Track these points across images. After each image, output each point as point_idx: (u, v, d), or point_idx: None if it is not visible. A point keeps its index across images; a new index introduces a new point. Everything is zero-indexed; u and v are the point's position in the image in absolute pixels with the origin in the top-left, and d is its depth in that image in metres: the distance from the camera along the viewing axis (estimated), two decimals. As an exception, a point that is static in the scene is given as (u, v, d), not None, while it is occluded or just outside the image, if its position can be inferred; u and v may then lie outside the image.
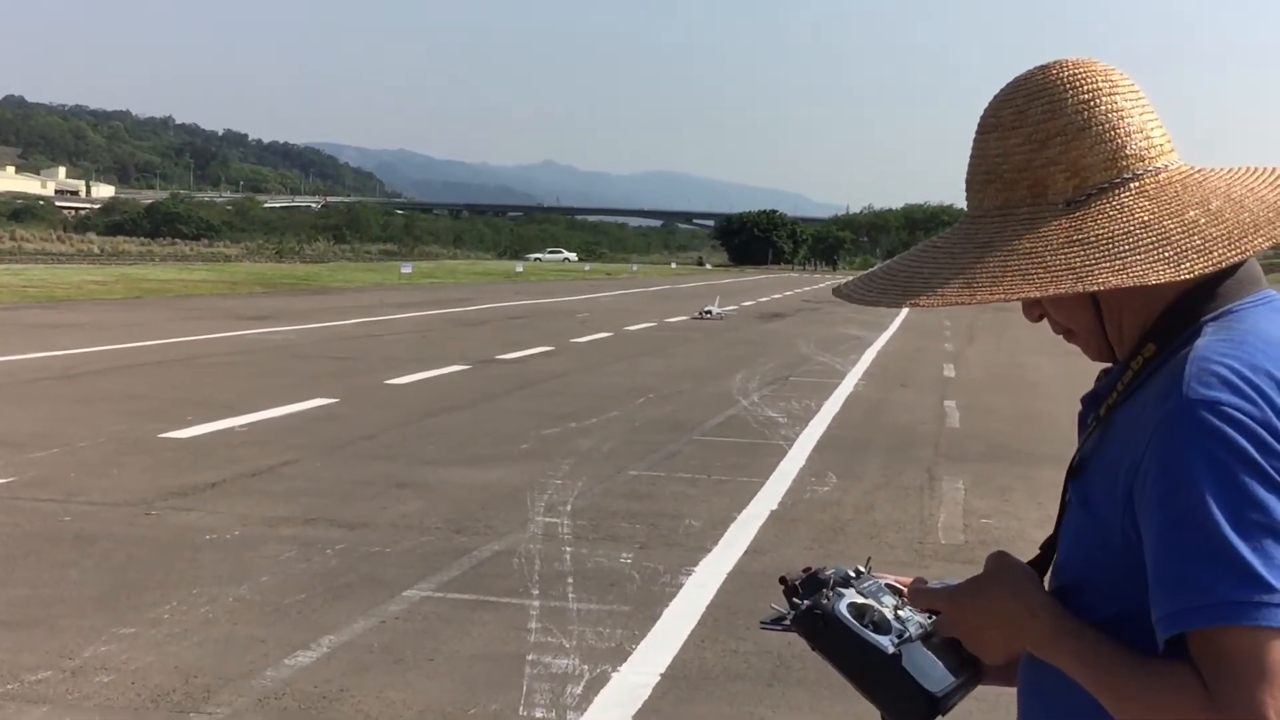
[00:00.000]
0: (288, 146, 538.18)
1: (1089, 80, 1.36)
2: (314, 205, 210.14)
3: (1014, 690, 1.49)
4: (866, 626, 1.42)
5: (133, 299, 33.41)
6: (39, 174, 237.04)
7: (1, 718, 4.60)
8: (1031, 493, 9.48)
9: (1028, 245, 1.32)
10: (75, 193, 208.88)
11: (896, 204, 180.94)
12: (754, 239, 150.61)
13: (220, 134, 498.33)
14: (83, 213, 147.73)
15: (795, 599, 1.47)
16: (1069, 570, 1.38)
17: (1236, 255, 1.28)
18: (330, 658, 5.36)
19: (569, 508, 8.41)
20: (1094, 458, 1.37)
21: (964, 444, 12.03)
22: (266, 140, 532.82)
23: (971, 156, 1.42)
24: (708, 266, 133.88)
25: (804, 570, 1.50)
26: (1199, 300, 1.33)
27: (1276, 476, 1.19)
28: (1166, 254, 1.28)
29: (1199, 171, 1.37)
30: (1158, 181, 1.34)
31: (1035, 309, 1.44)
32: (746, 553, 7.43)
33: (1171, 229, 1.30)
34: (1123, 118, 1.35)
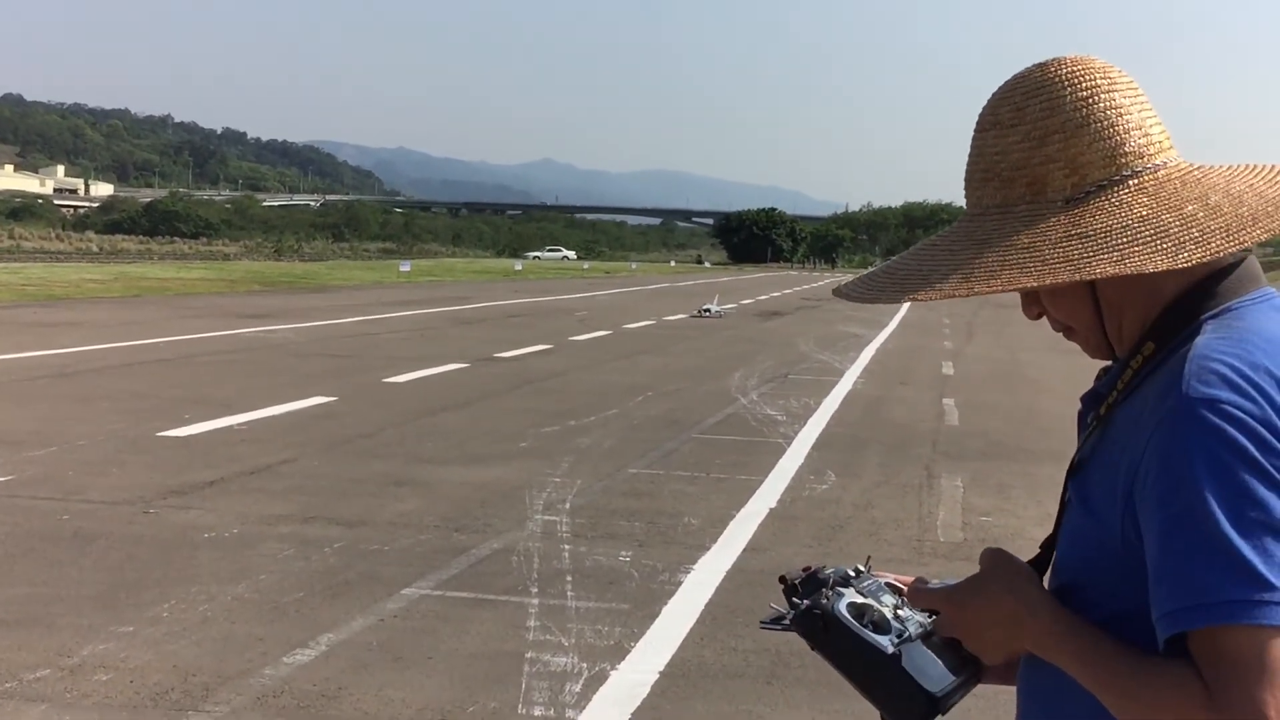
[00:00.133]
0: (286, 145, 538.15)
1: (1087, 77, 1.35)
2: (313, 203, 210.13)
3: (1013, 689, 1.49)
4: (866, 626, 1.41)
5: (131, 297, 33.39)
6: (37, 172, 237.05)
7: (0, 716, 4.59)
8: (1030, 490, 9.48)
9: (1026, 240, 1.32)
10: (74, 191, 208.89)
11: (896, 202, 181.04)
12: (753, 237, 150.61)
13: (219, 132, 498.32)
14: (81, 211, 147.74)
15: (795, 599, 1.47)
16: (1068, 569, 1.38)
17: (1234, 246, 1.28)
18: (329, 656, 5.36)
19: (568, 506, 8.41)
20: (1094, 456, 1.36)
21: (963, 441, 12.03)
22: (265, 138, 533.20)
23: (970, 154, 1.41)
24: (706, 265, 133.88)
25: (803, 569, 1.50)
26: (1199, 298, 1.33)
27: (1277, 474, 1.19)
28: (1164, 245, 1.27)
29: (1198, 169, 1.37)
30: (1156, 179, 1.34)
31: (1035, 306, 1.43)
32: (745, 551, 7.42)
33: (1170, 222, 1.29)
34: (1121, 115, 1.35)
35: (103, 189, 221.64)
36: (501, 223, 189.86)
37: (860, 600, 1.44)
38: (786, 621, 1.46)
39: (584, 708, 4.85)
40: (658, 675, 5.25)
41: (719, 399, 14.64)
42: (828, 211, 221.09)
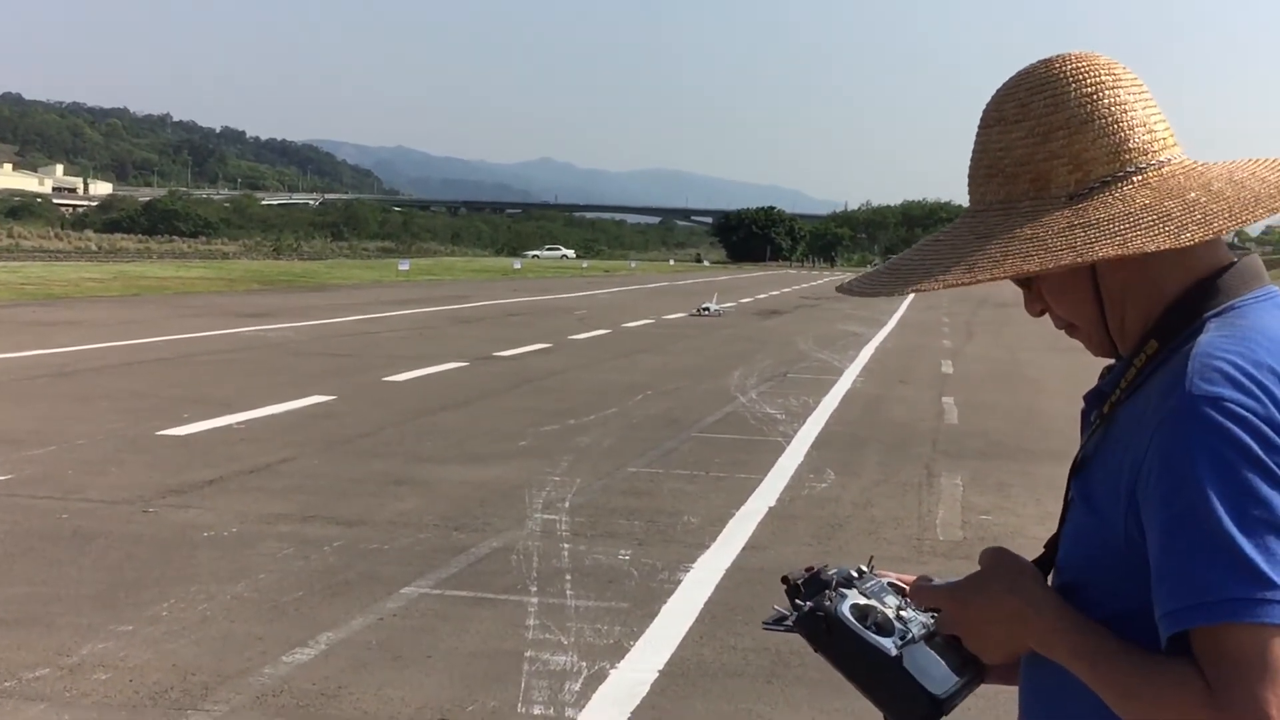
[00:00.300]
0: (285, 144, 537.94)
1: (1092, 74, 1.35)
2: (312, 202, 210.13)
3: (1014, 689, 1.48)
4: (869, 628, 1.41)
5: (130, 296, 33.38)
6: (36, 171, 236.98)
7: (0, 714, 4.60)
8: (1030, 489, 9.48)
9: (1029, 232, 1.32)
10: (73, 190, 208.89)
11: (895, 201, 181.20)
12: (752, 236, 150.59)
13: (218, 131, 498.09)
14: (80, 210, 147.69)
15: (797, 599, 1.46)
16: (1071, 567, 1.37)
17: (1236, 225, 1.28)
18: (328, 655, 5.35)
19: (567, 505, 8.40)
20: (1097, 455, 1.36)
21: (962, 440, 12.03)
22: (264, 137, 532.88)
23: (974, 151, 1.41)
24: (706, 263, 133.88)
25: (806, 570, 1.49)
26: (1201, 296, 1.33)
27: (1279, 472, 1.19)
28: (1167, 227, 1.28)
29: (1202, 165, 1.36)
30: (1160, 175, 1.34)
31: (1037, 303, 1.43)
32: (745, 549, 7.42)
33: (1172, 207, 1.30)
34: (1126, 111, 1.34)
35: (101, 188, 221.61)
36: (500, 222, 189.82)
37: (863, 602, 1.43)
38: (789, 623, 1.46)
39: (583, 706, 4.85)
40: (657, 674, 5.25)
41: (718, 398, 14.64)
42: (827, 210, 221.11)
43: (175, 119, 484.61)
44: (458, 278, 59.31)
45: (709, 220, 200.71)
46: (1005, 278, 1.32)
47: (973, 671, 1.42)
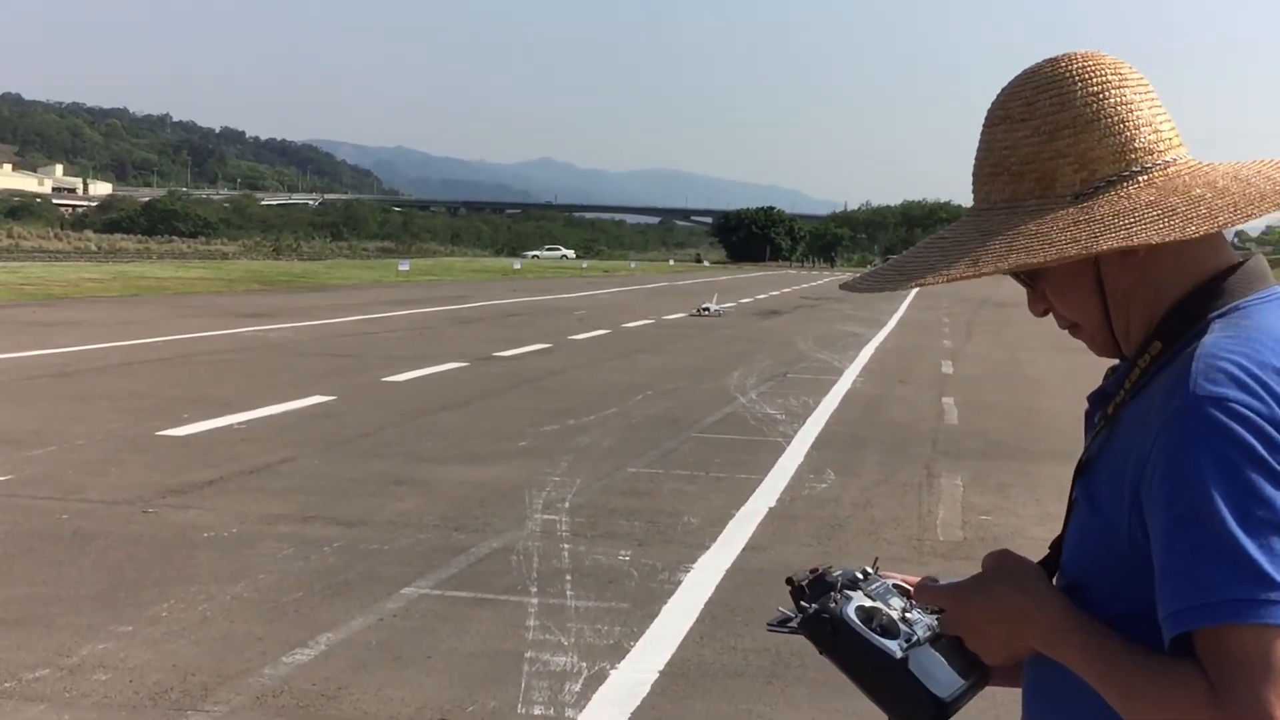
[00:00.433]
0: (285, 144, 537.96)
1: (1098, 73, 1.35)
2: (311, 202, 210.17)
3: (1018, 691, 1.48)
4: (874, 630, 1.40)
5: (130, 297, 33.36)
6: (36, 172, 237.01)
7: (0, 715, 4.59)
8: (1030, 489, 9.47)
9: (1034, 228, 1.32)
10: (72, 190, 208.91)
11: (894, 201, 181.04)
12: (752, 236, 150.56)
13: (217, 131, 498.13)
14: (80, 210, 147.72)
15: (802, 601, 1.46)
16: (1076, 568, 1.37)
17: (1241, 219, 1.28)
18: (328, 655, 5.35)
19: (567, 505, 8.40)
20: (1101, 456, 1.36)
21: (962, 441, 12.03)
22: (264, 137, 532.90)
23: (978, 149, 1.41)
24: (705, 263, 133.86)
25: (811, 571, 1.49)
26: (1206, 297, 1.33)
27: (1284, 472, 1.18)
28: (1172, 221, 1.28)
29: (1207, 164, 1.36)
30: (1166, 174, 1.33)
31: (1041, 303, 1.43)
32: (745, 550, 7.42)
33: (1177, 203, 1.30)
34: (1131, 111, 1.34)
35: (101, 188, 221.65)
36: (500, 222, 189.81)
37: (868, 604, 1.43)
38: (794, 624, 1.45)
39: (583, 707, 4.85)
40: (657, 674, 5.25)
41: (718, 398, 14.63)
42: (826, 210, 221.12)
43: (175, 119, 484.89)
44: (457, 278, 59.31)
45: (709, 220, 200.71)
46: (1009, 271, 1.32)
47: (978, 674, 1.42)
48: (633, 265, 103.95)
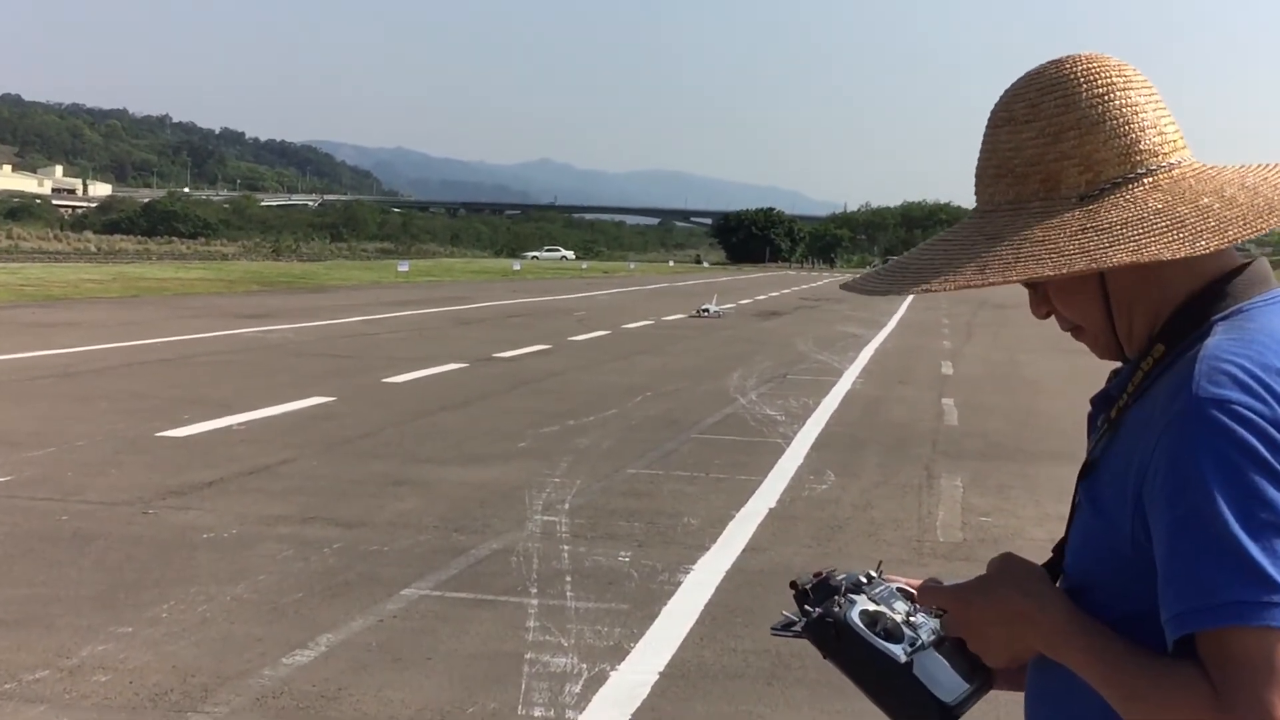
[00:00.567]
0: (285, 145, 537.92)
1: (1103, 75, 1.35)
2: (311, 203, 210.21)
3: (1021, 694, 1.48)
4: (878, 635, 1.40)
5: (129, 297, 33.37)
6: (36, 172, 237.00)
7: (-2, 717, 4.59)
8: (1030, 490, 9.46)
9: (1040, 234, 1.32)
10: (72, 191, 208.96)
11: (894, 202, 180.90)
12: (751, 237, 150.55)
13: (217, 132, 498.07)
14: (79, 211, 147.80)
15: (806, 606, 1.45)
16: (1079, 571, 1.37)
17: (1252, 233, 1.27)
18: (328, 657, 5.35)
19: (567, 506, 8.40)
20: (1104, 458, 1.35)
21: (962, 442, 12.03)
22: (264, 138, 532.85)
23: (982, 151, 1.40)
24: (705, 265, 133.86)
25: (815, 575, 1.48)
26: (1209, 299, 1.33)
27: (1287, 475, 1.18)
28: (1181, 234, 1.27)
29: (1212, 167, 1.36)
30: (1171, 176, 1.33)
31: (1043, 305, 1.42)
32: (745, 551, 7.41)
33: (1185, 214, 1.29)
34: (1137, 113, 1.34)
35: (101, 189, 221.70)
36: (500, 223, 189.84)
37: (872, 608, 1.43)
38: (798, 629, 1.45)
39: (584, 708, 4.84)
40: (657, 676, 5.24)
41: (718, 399, 14.63)
42: (826, 211, 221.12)
43: (174, 120, 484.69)
44: (457, 279, 59.31)
45: (708, 221, 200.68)
46: (1017, 281, 1.31)
47: (982, 678, 1.42)
48: (632, 266, 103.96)
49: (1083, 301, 1.38)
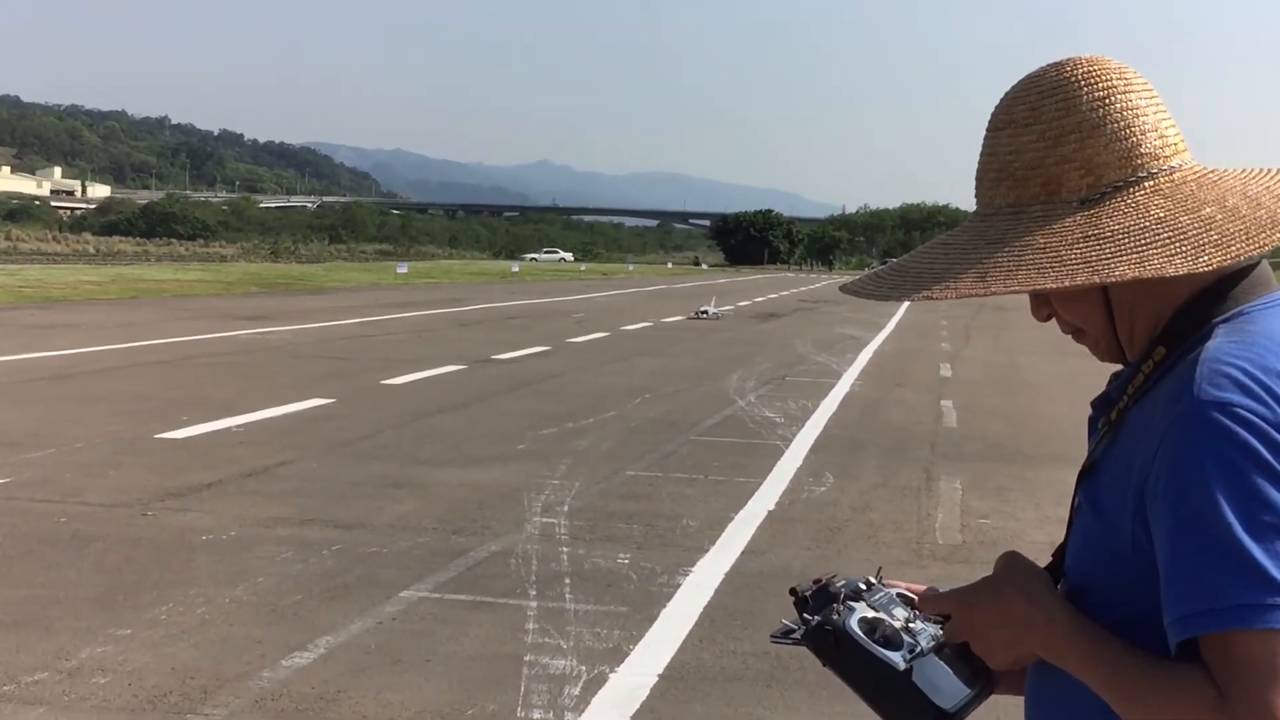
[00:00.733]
0: (284, 146, 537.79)
1: (1103, 78, 1.34)
2: (310, 205, 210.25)
3: (1020, 699, 1.47)
4: (878, 642, 1.40)
5: (128, 299, 33.36)
6: (34, 174, 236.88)
7: (-3, 719, 4.59)
8: (1029, 493, 9.46)
9: (1042, 241, 1.31)
10: (71, 193, 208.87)
11: (893, 204, 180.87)
12: (750, 239, 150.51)
13: (216, 134, 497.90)
14: (78, 213, 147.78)
15: (805, 613, 1.45)
16: (1079, 574, 1.36)
17: (1254, 249, 1.27)
18: (327, 659, 5.35)
19: (566, 508, 8.39)
20: (1104, 461, 1.35)
21: (961, 444, 12.03)
22: (262, 140, 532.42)
23: (982, 154, 1.40)
24: (704, 266, 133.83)
25: (814, 582, 1.48)
26: (1210, 302, 1.32)
27: (1288, 477, 1.18)
28: (1184, 248, 1.27)
29: (1213, 171, 1.36)
30: (1172, 181, 1.33)
31: (1044, 309, 1.42)
32: (744, 553, 7.41)
33: (1188, 224, 1.29)
34: (1137, 116, 1.34)
35: (100, 190, 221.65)
36: (498, 224, 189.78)
37: (871, 614, 1.43)
38: (797, 636, 1.45)
39: (583, 711, 4.84)
40: (656, 678, 5.24)
41: (717, 401, 14.63)
42: (825, 213, 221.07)
43: (173, 121, 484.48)
44: (456, 281, 59.31)
45: (707, 223, 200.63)
46: (1019, 291, 1.31)
47: (982, 683, 1.42)
48: (631, 268, 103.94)
49: (1084, 305, 1.38)
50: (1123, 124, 1.33)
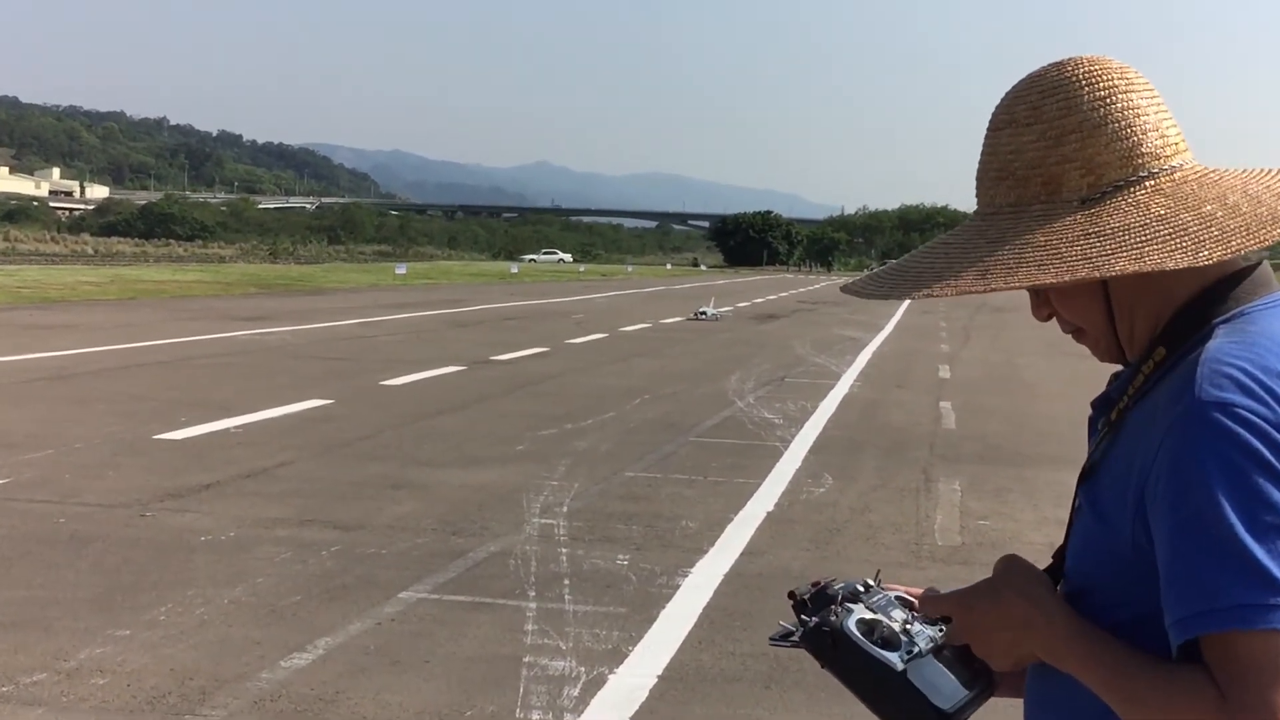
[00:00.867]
0: (282, 147, 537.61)
1: (1104, 77, 1.34)
2: (308, 206, 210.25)
3: (1020, 701, 1.47)
4: (875, 643, 1.40)
5: (127, 300, 33.36)
6: (33, 175, 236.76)
7: (-4, 720, 4.58)
8: (1028, 494, 9.46)
9: (1042, 238, 1.31)
10: (69, 193, 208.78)
11: (892, 205, 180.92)
12: (749, 240, 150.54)
13: (215, 135, 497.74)
14: (77, 214, 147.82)
15: (804, 615, 1.45)
16: (1079, 575, 1.36)
17: (1255, 244, 1.27)
18: (326, 660, 5.34)
19: (565, 509, 8.39)
20: (1104, 462, 1.35)
21: (960, 445, 12.03)
22: (261, 141, 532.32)
23: (983, 153, 1.40)
24: (703, 268, 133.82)
25: (813, 584, 1.48)
26: (1211, 302, 1.32)
27: (1289, 477, 1.18)
28: (1184, 243, 1.27)
29: (1214, 171, 1.36)
30: (1173, 180, 1.33)
31: (1044, 308, 1.42)
32: (743, 554, 7.41)
33: (1189, 221, 1.29)
34: (1138, 115, 1.34)
35: (98, 191, 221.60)
36: (497, 225, 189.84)
37: (869, 616, 1.43)
38: (795, 638, 1.45)
39: (582, 712, 4.84)
40: (656, 679, 5.24)
41: (716, 402, 14.63)
42: (824, 215, 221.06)
43: (172, 122, 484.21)
44: (454, 282, 59.31)
45: (706, 224, 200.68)
46: (1020, 288, 1.31)
47: (981, 685, 1.42)
48: (630, 269, 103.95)
49: (1084, 305, 1.38)
50: (1124, 123, 1.33)
